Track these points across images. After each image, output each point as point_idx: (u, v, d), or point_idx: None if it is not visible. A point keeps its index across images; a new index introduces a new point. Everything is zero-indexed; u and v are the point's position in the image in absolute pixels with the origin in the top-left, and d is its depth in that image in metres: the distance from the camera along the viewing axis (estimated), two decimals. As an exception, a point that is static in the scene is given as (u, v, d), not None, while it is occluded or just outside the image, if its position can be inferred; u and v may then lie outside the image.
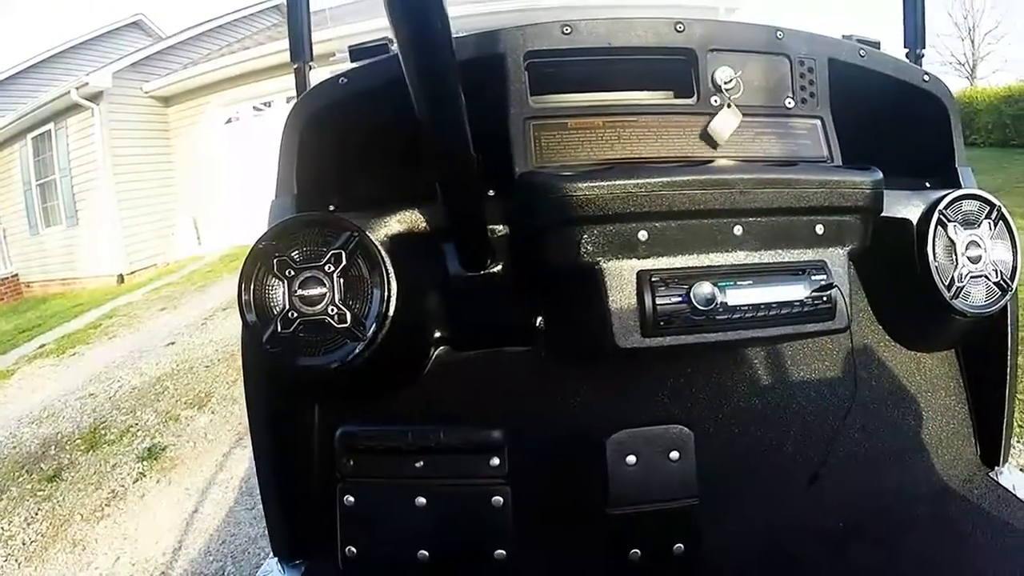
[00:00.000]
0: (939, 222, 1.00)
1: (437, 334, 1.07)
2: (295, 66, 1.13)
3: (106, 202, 8.01)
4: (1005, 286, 1.01)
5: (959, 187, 1.06)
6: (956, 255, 1.00)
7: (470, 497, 0.90)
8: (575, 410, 1.08)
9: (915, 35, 1.20)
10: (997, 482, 1.08)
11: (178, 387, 3.72)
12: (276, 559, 0.99)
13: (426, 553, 0.89)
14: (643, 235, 0.85)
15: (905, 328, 1.18)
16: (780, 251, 0.91)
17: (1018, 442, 2.15)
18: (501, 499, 0.90)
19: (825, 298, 0.89)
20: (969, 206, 1.03)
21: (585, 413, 1.08)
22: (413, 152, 0.81)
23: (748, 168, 0.91)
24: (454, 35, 0.94)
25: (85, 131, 8.09)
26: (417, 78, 0.59)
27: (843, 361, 1.19)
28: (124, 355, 4.58)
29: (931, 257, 0.99)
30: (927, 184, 1.12)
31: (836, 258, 0.93)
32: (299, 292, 0.81)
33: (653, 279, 0.85)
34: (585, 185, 0.82)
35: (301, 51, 1.13)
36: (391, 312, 0.83)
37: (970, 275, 1.00)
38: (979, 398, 1.17)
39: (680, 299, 0.84)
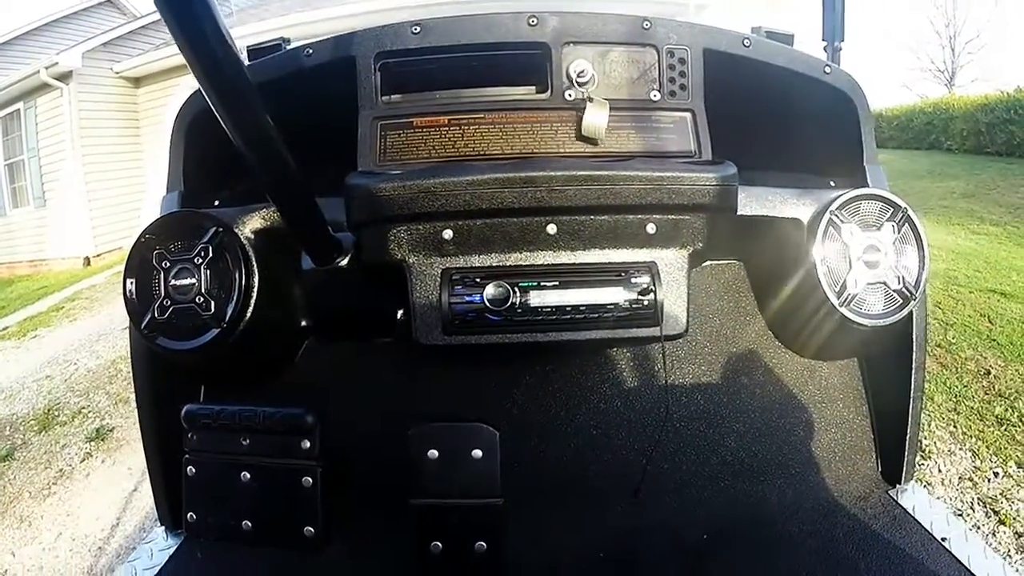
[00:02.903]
0: (831, 223, 0.92)
1: (303, 323, 1.09)
2: None
3: (74, 183, 7.88)
4: (908, 295, 0.92)
5: (865, 186, 0.98)
6: (850, 259, 0.92)
7: (284, 475, 0.94)
8: (396, 401, 1.09)
9: (833, 28, 1.14)
10: (896, 501, 1.00)
11: (131, 369, 3.77)
12: (162, 527, 1.04)
13: (249, 524, 0.95)
14: (448, 234, 0.85)
15: (797, 335, 1.09)
16: (604, 251, 0.87)
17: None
18: (311, 479, 0.94)
19: (646, 302, 0.84)
20: (869, 207, 0.93)
21: (404, 404, 1.08)
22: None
23: (563, 165, 0.85)
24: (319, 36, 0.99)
25: (54, 111, 7.93)
26: (220, 108, 0.65)
27: (683, 368, 1.12)
28: (83, 338, 4.59)
29: (819, 261, 0.92)
30: (832, 183, 1.05)
31: (672, 260, 0.88)
32: (173, 282, 0.89)
33: (454, 278, 0.85)
34: (388, 185, 0.82)
35: None
36: (252, 301, 0.90)
37: (867, 282, 0.92)
38: (882, 411, 1.09)
39: (476, 299, 0.83)
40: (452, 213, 0.83)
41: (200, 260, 0.89)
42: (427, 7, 5.84)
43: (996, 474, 1.99)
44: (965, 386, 2.56)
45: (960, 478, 2.00)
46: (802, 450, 1.08)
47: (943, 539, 0.91)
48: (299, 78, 0.99)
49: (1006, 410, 2.32)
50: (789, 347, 1.14)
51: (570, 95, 0.96)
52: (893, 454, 1.05)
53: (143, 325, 0.89)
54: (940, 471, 2.04)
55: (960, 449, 2.15)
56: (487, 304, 0.83)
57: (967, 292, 3.73)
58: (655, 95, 0.98)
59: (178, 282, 0.89)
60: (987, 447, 2.13)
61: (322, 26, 6.26)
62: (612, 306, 0.84)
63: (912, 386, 1.01)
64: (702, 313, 1.18)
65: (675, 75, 0.98)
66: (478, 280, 0.85)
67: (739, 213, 0.94)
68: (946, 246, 4.96)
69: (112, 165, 8.21)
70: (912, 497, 1.01)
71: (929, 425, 2.29)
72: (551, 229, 0.85)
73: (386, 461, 0.96)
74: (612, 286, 0.85)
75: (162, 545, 0.99)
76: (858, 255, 0.93)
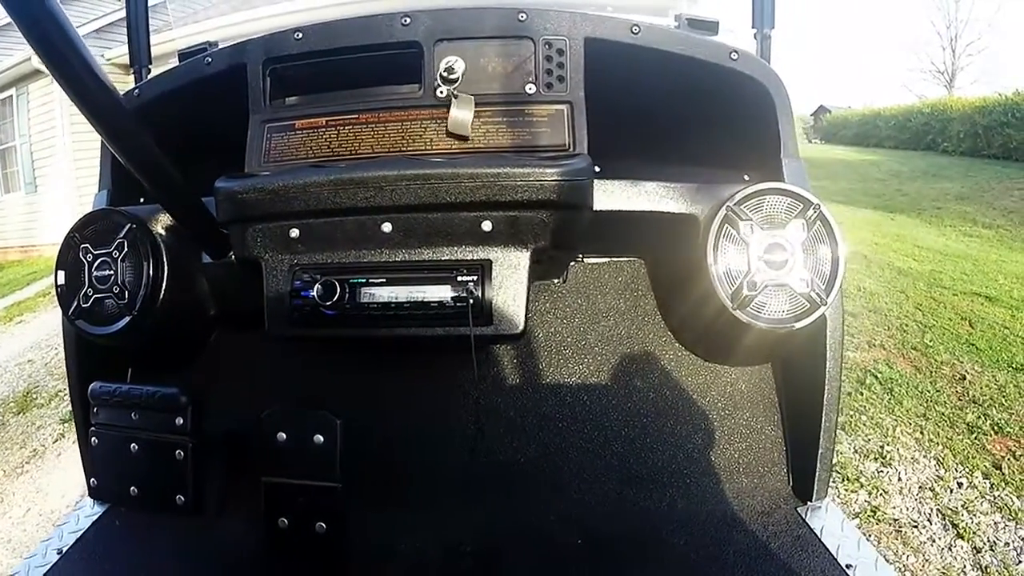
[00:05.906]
0: (726, 220, 0.87)
1: (211, 312, 1.16)
2: (133, 69, 1.25)
3: (65, 170, 7.87)
4: (818, 299, 0.85)
5: (780, 181, 0.93)
6: (749, 259, 0.86)
7: (161, 448, 1.03)
8: (265, 385, 1.18)
9: (762, 14, 1.08)
10: (803, 519, 0.94)
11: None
12: (91, 498, 1.11)
13: (135, 489, 1.04)
14: (295, 233, 0.89)
15: (698, 337, 1.06)
16: (439, 249, 0.88)
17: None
18: (183, 453, 1.02)
19: (472, 301, 0.85)
20: (775, 203, 0.87)
21: (271, 389, 1.16)
22: (193, 151, 0.93)
23: (396, 165, 0.87)
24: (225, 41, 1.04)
25: (46, 98, 7.91)
26: (95, 126, 0.71)
27: (568, 368, 1.11)
28: (66, 324, 4.63)
29: (712, 259, 0.86)
30: (746, 178, 1.00)
31: (510, 258, 0.87)
32: (95, 273, 0.99)
33: (296, 273, 0.90)
34: (243, 188, 0.87)
35: (139, 55, 1.25)
36: (161, 292, 0.99)
37: (767, 283, 0.86)
38: (795, 422, 1.03)
39: (310, 294, 0.88)
40: (295, 213, 0.87)
41: (117, 254, 0.98)
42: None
43: (960, 484, 1.94)
44: (938, 391, 2.53)
45: (921, 487, 1.94)
46: (700, 459, 1.02)
47: (848, 566, 0.84)
48: (203, 85, 1.05)
49: (978, 417, 2.29)
50: (691, 350, 1.09)
51: (441, 92, 0.95)
52: (805, 469, 0.99)
53: (69, 311, 0.99)
54: (900, 479, 1.99)
55: (924, 457, 2.10)
56: (317, 300, 0.87)
57: (951, 295, 3.70)
58: (531, 88, 0.96)
59: (99, 273, 0.98)
60: (954, 456, 2.08)
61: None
62: (437, 304, 0.86)
63: (826, 397, 0.94)
64: (595, 312, 1.17)
65: (552, 67, 0.95)
66: (316, 277, 0.89)
67: (633, 209, 0.94)
68: (935, 247, 4.94)
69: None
70: (823, 516, 0.94)
71: (894, 431, 2.25)
72: (386, 228, 0.87)
73: (245, 439, 1.05)
74: (439, 284, 0.86)
75: (88, 512, 1.07)
76: (759, 255, 0.86)
